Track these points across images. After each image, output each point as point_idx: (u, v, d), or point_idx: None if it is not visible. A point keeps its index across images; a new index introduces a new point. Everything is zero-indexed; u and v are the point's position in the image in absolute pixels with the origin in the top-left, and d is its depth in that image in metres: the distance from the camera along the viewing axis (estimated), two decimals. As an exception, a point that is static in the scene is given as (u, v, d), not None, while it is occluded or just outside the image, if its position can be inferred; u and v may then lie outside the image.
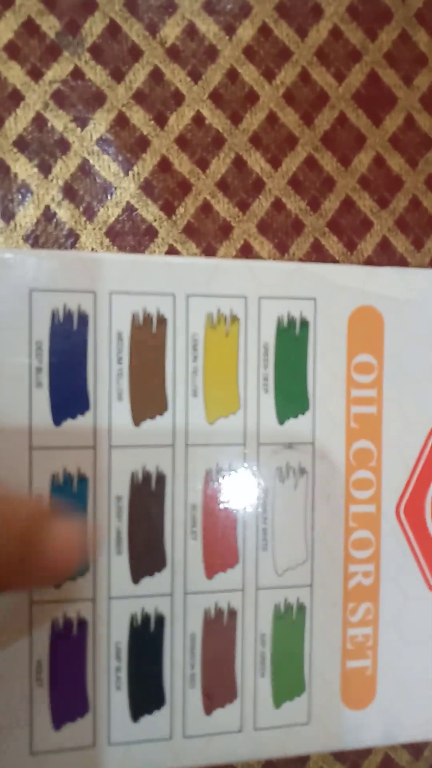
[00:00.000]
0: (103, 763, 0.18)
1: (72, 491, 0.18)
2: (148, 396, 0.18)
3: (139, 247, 0.21)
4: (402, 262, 0.22)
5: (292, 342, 0.19)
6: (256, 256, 0.21)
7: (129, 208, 0.21)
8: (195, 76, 0.21)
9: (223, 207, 0.21)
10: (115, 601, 0.18)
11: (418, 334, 0.20)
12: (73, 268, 0.17)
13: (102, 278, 0.18)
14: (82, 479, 0.18)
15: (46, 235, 0.20)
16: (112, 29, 0.21)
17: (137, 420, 0.18)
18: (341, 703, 0.19)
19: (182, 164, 0.21)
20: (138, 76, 0.21)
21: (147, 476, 0.18)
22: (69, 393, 0.18)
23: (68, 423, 0.18)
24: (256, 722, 0.19)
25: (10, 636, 0.17)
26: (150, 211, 0.21)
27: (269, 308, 0.19)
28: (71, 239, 0.21)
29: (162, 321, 0.18)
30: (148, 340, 0.18)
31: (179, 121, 0.21)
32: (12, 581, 0.14)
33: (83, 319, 0.18)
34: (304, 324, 0.19)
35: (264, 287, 0.18)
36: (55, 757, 0.17)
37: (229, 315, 0.18)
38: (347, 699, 0.19)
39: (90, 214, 0.21)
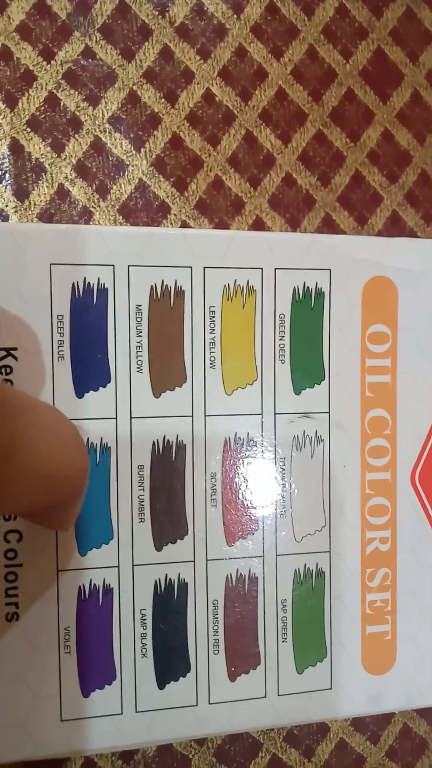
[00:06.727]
0: (131, 730, 0.18)
1: (95, 461, 0.18)
2: (167, 368, 0.18)
3: (152, 224, 0.21)
4: (412, 236, 0.23)
5: (307, 312, 0.19)
6: (269, 232, 0.22)
7: (141, 185, 0.21)
8: (204, 54, 0.22)
9: (234, 183, 0.22)
10: (139, 568, 0.18)
11: (431, 304, 0.20)
12: (92, 242, 0.18)
13: (120, 251, 0.18)
14: (105, 449, 0.18)
15: (60, 213, 0.21)
16: (122, 9, 0.21)
17: (157, 392, 0.18)
18: (362, 668, 0.20)
19: (193, 141, 0.21)
20: (148, 55, 0.21)
21: (168, 446, 0.18)
22: (90, 366, 0.18)
23: (90, 395, 0.18)
24: (280, 688, 0.19)
25: (38, 604, 0.17)
26: (162, 188, 0.21)
27: (285, 279, 0.19)
28: (85, 217, 0.21)
29: (180, 293, 0.18)
30: (166, 312, 0.18)
31: (189, 98, 0.22)
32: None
33: (103, 292, 0.18)
34: (320, 295, 0.19)
35: (279, 259, 0.19)
36: (84, 724, 0.18)
37: (246, 286, 0.19)
38: (368, 664, 0.20)
39: (103, 191, 0.21)
